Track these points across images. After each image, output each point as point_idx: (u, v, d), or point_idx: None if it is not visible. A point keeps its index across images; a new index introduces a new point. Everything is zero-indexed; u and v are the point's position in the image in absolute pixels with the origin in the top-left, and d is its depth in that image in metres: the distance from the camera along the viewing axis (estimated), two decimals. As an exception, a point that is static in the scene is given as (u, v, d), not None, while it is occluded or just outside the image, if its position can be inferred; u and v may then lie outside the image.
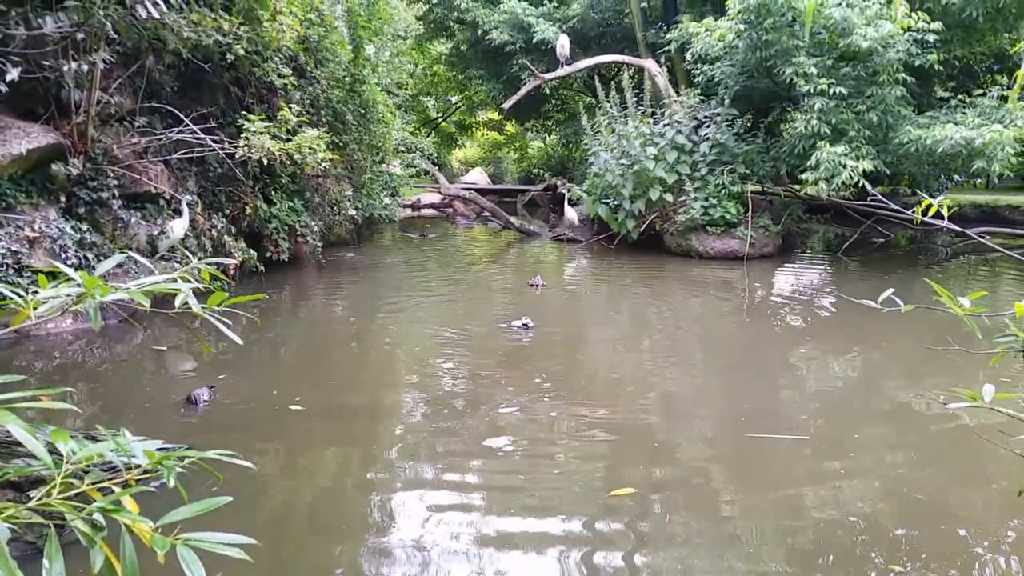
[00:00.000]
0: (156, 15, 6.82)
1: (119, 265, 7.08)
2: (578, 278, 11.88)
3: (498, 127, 31.42)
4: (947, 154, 10.37)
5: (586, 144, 14.98)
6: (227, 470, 2.15)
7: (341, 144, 10.92)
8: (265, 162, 8.34)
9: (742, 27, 11.41)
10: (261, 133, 8.17)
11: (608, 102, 14.03)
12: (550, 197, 21.56)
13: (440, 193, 21.05)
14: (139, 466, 1.79)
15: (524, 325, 7.26)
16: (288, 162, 8.44)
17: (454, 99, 30.02)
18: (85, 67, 6.97)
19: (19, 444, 2.49)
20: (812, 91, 10.76)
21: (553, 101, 23.74)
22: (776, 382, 6.13)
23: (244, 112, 8.80)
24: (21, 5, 6.66)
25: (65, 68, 6.87)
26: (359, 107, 11.47)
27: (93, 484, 1.72)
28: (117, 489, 1.69)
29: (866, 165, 10.45)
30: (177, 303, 2.06)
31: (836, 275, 11.38)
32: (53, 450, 1.72)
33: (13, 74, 6.35)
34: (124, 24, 6.95)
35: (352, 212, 12.03)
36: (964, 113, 11.02)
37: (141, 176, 8.20)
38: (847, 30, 10.52)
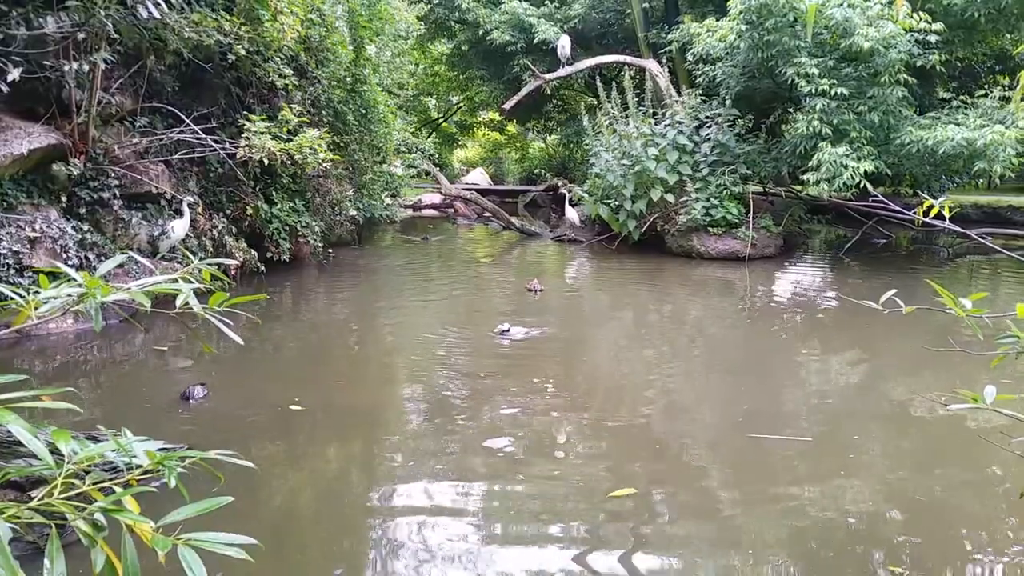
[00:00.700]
0: (157, 15, 6.82)
1: (120, 265, 7.06)
2: (579, 279, 11.88)
3: (499, 127, 31.36)
4: (949, 155, 10.36)
5: (587, 144, 14.97)
6: (228, 470, 2.15)
7: (342, 144, 10.93)
8: (266, 162, 8.35)
9: (743, 27, 11.40)
10: (262, 133, 8.17)
11: (609, 102, 14.03)
12: (551, 197, 21.55)
13: (441, 193, 21.04)
14: (140, 466, 1.79)
15: (504, 331, 7.00)
16: (289, 162, 8.45)
17: (455, 99, 30.00)
18: (86, 67, 6.97)
19: (21, 444, 2.48)
20: (813, 92, 10.75)
21: (554, 101, 23.71)
22: (777, 383, 6.13)
23: (245, 112, 8.81)
24: (22, 5, 6.67)
25: (66, 68, 6.88)
26: (360, 107, 11.48)
27: (94, 484, 1.72)
28: (118, 489, 1.68)
29: (867, 166, 10.44)
30: (178, 303, 2.06)
31: (837, 276, 11.37)
32: (54, 450, 1.72)
33: (14, 74, 6.35)
34: (125, 24, 6.95)
35: (353, 212, 12.04)
36: (966, 114, 11.01)
37: (142, 176, 8.20)
38: (848, 30, 10.51)
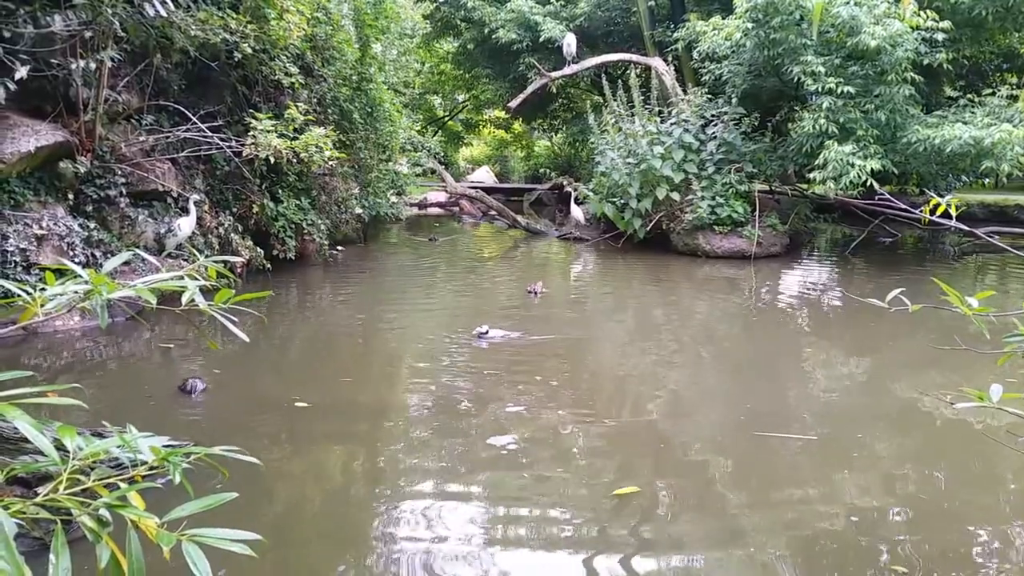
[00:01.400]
0: (164, 13, 6.83)
1: (126, 263, 7.10)
2: (584, 278, 11.87)
3: (505, 125, 31.38)
4: (955, 154, 10.32)
5: (593, 143, 14.96)
6: (233, 467, 2.16)
7: (348, 142, 10.94)
8: (272, 160, 8.36)
9: (750, 26, 11.37)
10: (268, 131, 8.18)
11: (615, 101, 14.01)
12: (557, 196, 21.53)
13: (447, 192, 21.02)
14: (145, 462, 1.79)
15: (482, 333, 6.82)
16: (295, 160, 8.46)
17: (461, 98, 30.01)
18: (93, 65, 6.99)
19: (27, 440, 2.49)
20: (820, 90, 10.72)
21: (560, 100, 23.68)
22: (783, 382, 6.12)
23: (251, 110, 8.82)
24: (30, 3, 6.68)
25: (73, 66, 6.89)
26: (366, 105, 11.49)
27: (99, 480, 1.72)
28: (123, 485, 1.69)
29: (874, 164, 10.40)
30: (184, 300, 2.06)
31: (843, 275, 11.35)
32: (60, 446, 1.72)
33: (22, 72, 6.36)
34: (132, 22, 6.97)
35: (359, 211, 12.04)
36: (973, 112, 10.97)
37: (148, 174, 8.22)
38: (855, 29, 10.47)
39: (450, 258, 13.47)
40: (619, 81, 14.55)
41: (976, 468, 4.34)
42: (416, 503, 3.74)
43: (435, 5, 21.44)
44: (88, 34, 6.87)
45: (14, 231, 6.82)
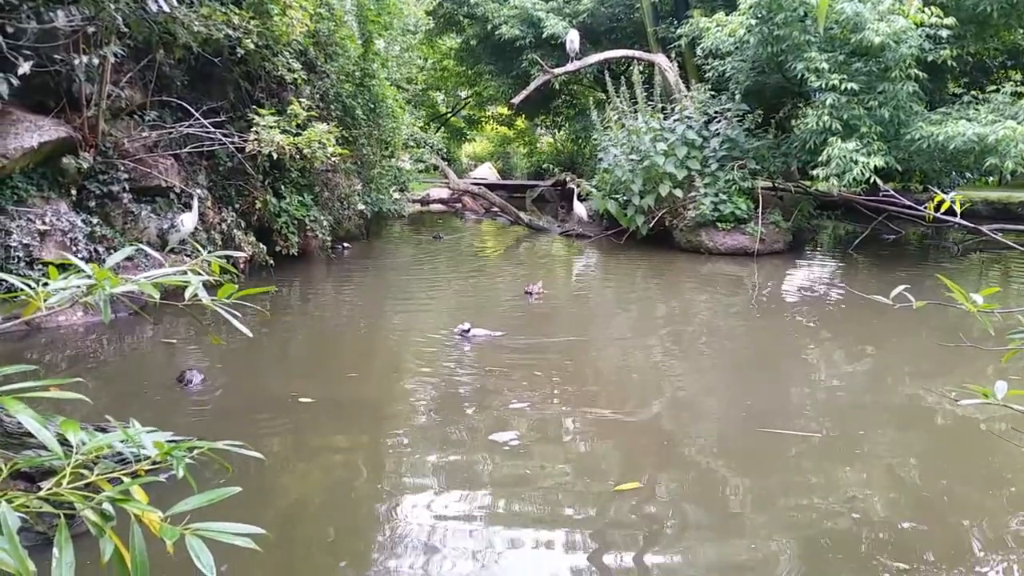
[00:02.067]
0: (167, 9, 6.82)
1: (129, 258, 7.10)
2: (586, 274, 11.86)
3: (508, 122, 31.36)
4: (959, 150, 10.29)
5: (596, 139, 14.95)
6: (236, 461, 2.16)
7: (350, 139, 10.93)
8: (275, 156, 8.35)
9: (753, 22, 11.35)
10: (271, 127, 8.17)
11: (618, 97, 13.99)
12: (559, 193, 21.52)
13: (449, 188, 21.03)
14: (148, 457, 1.79)
15: (464, 331, 6.71)
16: (298, 156, 8.45)
17: (464, 94, 29.98)
18: (96, 61, 6.99)
19: (30, 435, 2.50)
20: (823, 86, 10.70)
21: (563, 96, 23.66)
22: (786, 379, 6.11)
23: (254, 106, 8.81)
24: (33, -1, 6.69)
25: (76, 62, 6.90)
26: (369, 102, 11.47)
27: (103, 474, 1.73)
28: (126, 479, 1.69)
29: (877, 161, 10.38)
30: (187, 295, 2.06)
31: (847, 272, 11.33)
32: (63, 441, 1.72)
33: (25, 67, 6.37)
34: (135, 18, 6.96)
35: (361, 207, 12.04)
36: (977, 109, 10.95)
37: (151, 170, 8.22)
38: (859, 25, 10.45)
39: (453, 255, 13.47)
40: (622, 77, 14.53)
41: (979, 465, 4.33)
42: (418, 496, 3.75)
43: (438, 1, 21.42)
44: (91, 29, 6.88)
45: (17, 226, 6.82)
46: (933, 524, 3.58)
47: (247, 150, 8.35)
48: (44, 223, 7.02)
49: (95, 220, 7.55)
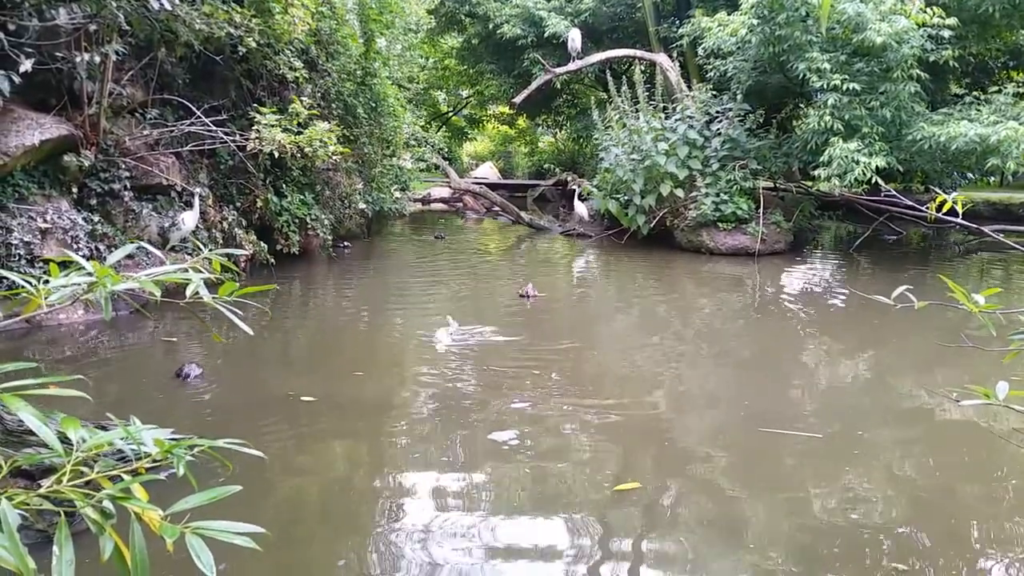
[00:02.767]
0: (168, 7, 6.82)
1: (130, 256, 7.11)
2: (587, 274, 11.86)
3: (509, 121, 31.35)
4: (961, 151, 10.28)
5: (597, 139, 14.94)
6: (237, 460, 2.16)
7: (352, 138, 10.93)
8: (276, 155, 8.35)
9: (755, 22, 11.34)
10: (272, 126, 8.18)
11: (619, 97, 13.98)
12: (560, 192, 21.51)
13: (450, 187, 21.03)
14: (149, 455, 1.79)
15: (450, 332, 6.59)
16: (299, 155, 8.45)
17: (465, 93, 29.97)
18: (97, 59, 6.98)
19: (31, 433, 2.50)
20: (825, 87, 10.69)
21: (564, 96, 23.64)
22: (786, 379, 6.10)
23: (255, 105, 8.81)
24: (35, -4, 6.69)
25: (78, 59, 6.90)
26: (370, 100, 11.47)
27: (103, 472, 1.72)
28: (127, 477, 1.69)
29: (879, 162, 10.37)
30: (188, 293, 2.06)
31: (848, 272, 11.33)
32: (64, 438, 1.72)
33: (26, 65, 6.36)
34: (136, 16, 6.96)
35: (362, 206, 12.04)
36: (979, 110, 10.93)
37: (153, 168, 8.22)
38: (861, 25, 10.44)
39: (454, 254, 13.46)
40: (624, 77, 14.51)
41: (980, 466, 4.32)
42: (418, 495, 3.75)
43: (440, 0, 21.42)
44: (93, 27, 6.87)
45: (18, 224, 6.82)
46: (933, 525, 3.58)
47: (248, 148, 8.35)
48: (45, 221, 7.02)
49: (96, 218, 7.55)
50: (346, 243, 12.36)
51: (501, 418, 4.79)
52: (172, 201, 8.47)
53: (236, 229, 9.02)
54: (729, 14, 12.51)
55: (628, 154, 13.17)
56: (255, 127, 8.23)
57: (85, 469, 1.70)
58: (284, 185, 9.99)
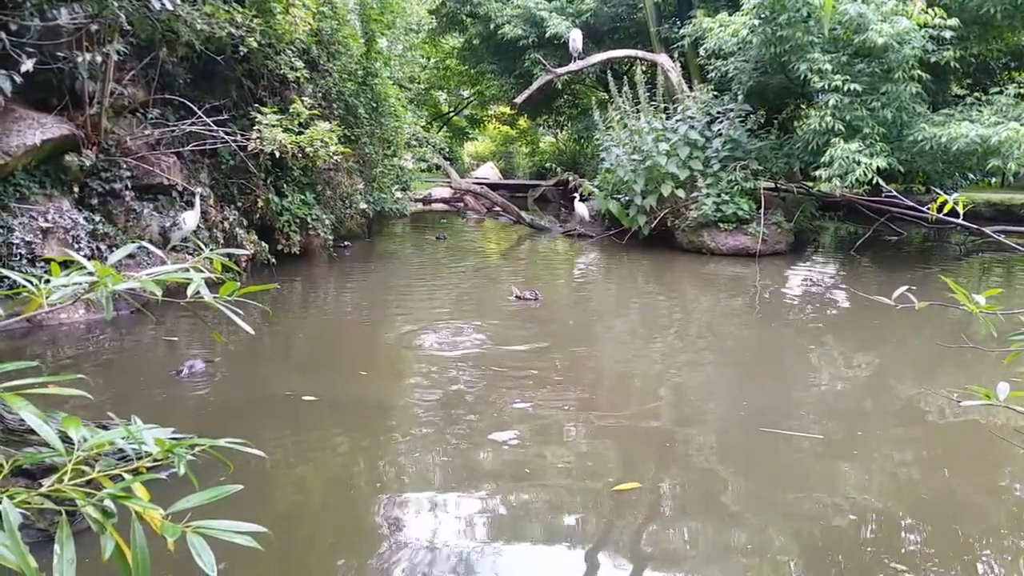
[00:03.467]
0: (170, 7, 6.83)
1: (131, 256, 7.12)
2: (587, 274, 11.86)
3: (510, 122, 31.37)
4: (962, 152, 10.28)
5: (598, 139, 14.94)
6: (238, 459, 2.16)
7: (353, 137, 10.94)
8: (277, 155, 8.36)
9: (756, 22, 11.33)
10: (273, 126, 8.18)
11: (621, 97, 13.98)
12: (561, 192, 21.52)
13: (451, 187, 21.04)
14: (150, 454, 1.79)
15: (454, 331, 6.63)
16: (300, 155, 8.46)
17: (466, 93, 30.00)
18: (99, 58, 6.99)
19: (32, 432, 2.50)
20: (826, 87, 10.68)
21: (565, 96, 23.66)
22: (787, 379, 6.10)
23: (257, 104, 8.82)
24: (36, -4, 6.69)
25: (79, 59, 6.90)
26: (371, 100, 11.48)
27: (104, 471, 1.73)
28: (128, 476, 1.69)
29: (880, 162, 10.37)
30: (189, 292, 2.06)
31: (849, 273, 11.32)
32: (65, 437, 1.72)
33: (28, 65, 6.37)
34: (138, 16, 6.97)
35: (363, 206, 12.04)
36: (980, 111, 10.92)
37: (154, 168, 8.23)
38: (862, 26, 10.43)
39: (455, 254, 13.46)
40: (625, 77, 14.51)
41: (981, 466, 4.32)
42: (418, 495, 3.74)
43: (441, 0, 21.43)
44: (94, 27, 6.88)
45: (19, 224, 6.83)
46: (935, 526, 3.58)
47: (249, 148, 8.36)
48: (46, 220, 7.03)
49: (97, 218, 7.56)
50: (347, 243, 12.37)
51: (502, 418, 4.79)
52: (173, 201, 8.48)
53: (237, 229, 9.03)
54: (730, 15, 12.50)
55: (629, 154, 13.17)
56: (256, 127, 8.24)
57: (86, 468, 1.71)
58: (285, 185, 10.00)
